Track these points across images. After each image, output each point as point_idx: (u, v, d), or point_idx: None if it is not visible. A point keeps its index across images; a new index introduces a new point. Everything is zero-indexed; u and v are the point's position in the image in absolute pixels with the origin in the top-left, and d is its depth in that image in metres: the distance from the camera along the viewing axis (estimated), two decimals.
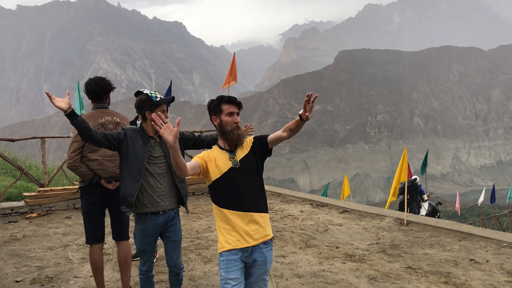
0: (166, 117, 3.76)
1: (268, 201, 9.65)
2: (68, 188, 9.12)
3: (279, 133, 3.13)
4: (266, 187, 11.06)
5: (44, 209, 8.72)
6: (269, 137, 3.15)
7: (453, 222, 8.27)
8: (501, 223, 19.68)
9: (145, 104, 3.82)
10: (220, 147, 3.11)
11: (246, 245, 2.98)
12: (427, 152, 20.29)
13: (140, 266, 4.01)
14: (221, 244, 3.02)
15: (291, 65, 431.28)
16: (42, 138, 9.31)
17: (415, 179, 12.53)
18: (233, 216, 2.99)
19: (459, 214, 24.81)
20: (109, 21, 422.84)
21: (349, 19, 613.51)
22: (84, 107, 9.42)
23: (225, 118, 3.06)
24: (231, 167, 3.03)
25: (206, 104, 3.11)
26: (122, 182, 3.84)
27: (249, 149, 3.13)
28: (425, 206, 12.60)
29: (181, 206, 4.04)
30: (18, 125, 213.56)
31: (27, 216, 8.39)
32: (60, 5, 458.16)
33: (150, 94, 3.85)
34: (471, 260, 5.67)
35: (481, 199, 20.61)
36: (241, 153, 3.10)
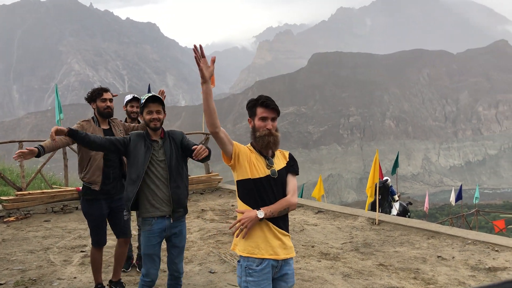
0: (159, 117, 3.83)
1: None
2: (46, 192, 9.13)
3: (287, 191, 2.99)
4: None
5: (22, 212, 8.71)
6: (289, 176, 3.03)
7: (422, 221, 8.66)
8: (468, 222, 20.38)
9: (139, 108, 3.94)
10: (256, 150, 3.00)
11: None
12: (397, 153, 20.88)
13: (142, 277, 3.92)
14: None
15: (266, 67, 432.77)
16: (20, 142, 9.29)
17: (386, 180, 12.90)
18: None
19: (427, 213, 25.56)
20: (81, 22, 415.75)
21: (322, 22, 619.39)
22: (63, 110, 9.41)
23: (258, 122, 2.95)
24: (269, 175, 2.94)
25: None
26: (125, 187, 3.90)
27: (285, 164, 3.05)
28: (396, 206, 12.97)
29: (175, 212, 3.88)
30: None
31: (5, 220, 8.38)
32: (30, 5, 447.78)
33: (140, 98, 3.89)
34: (438, 257, 6.00)
35: (452, 198, 21.35)
36: (278, 164, 3.02)
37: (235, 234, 2.94)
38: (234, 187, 11.71)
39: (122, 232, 4.81)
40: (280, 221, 2.97)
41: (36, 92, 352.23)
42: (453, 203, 21.75)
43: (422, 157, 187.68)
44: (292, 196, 2.98)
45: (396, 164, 13.67)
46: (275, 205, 2.91)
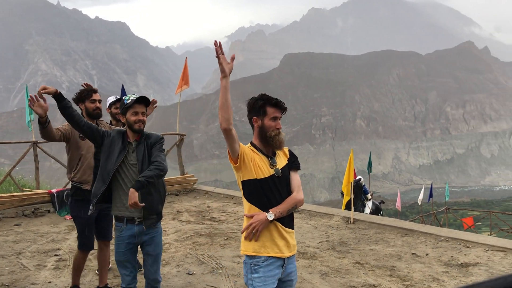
0: (144, 120, 3.77)
1: (221, 204, 9.88)
2: (16, 195, 8.90)
3: (291, 188, 3.00)
4: (219, 190, 11.25)
5: None
6: (292, 174, 3.04)
7: (395, 219, 8.82)
8: (438, 220, 20.84)
9: (120, 109, 3.81)
10: (258, 149, 2.98)
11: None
12: (370, 153, 21.19)
13: (121, 284, 3.86)
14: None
15: (238, 68, 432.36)
16: None
17: (360, 179, 13.09)
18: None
19: (399, 212, 26.05)
20: (48, 20, 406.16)
21: (294, 22, 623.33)
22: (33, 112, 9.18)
23: (268, 122, 2.93)
24: (273, 175, 2.94)
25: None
26: (95, 182, 3.82)
27: (287, 161, 3.06)
28: (369, 205, 13.20)
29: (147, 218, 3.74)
30: None
31: None
32: None
33: (123, 98, 3.79)
34: (412, 254, 6.14)
35: (421, 197, 21.79)
36: (280, 162, 3.02)
37: (243, 237, 2.95)
38: (209, 188, 11.67)
39: (104, 235, 4.74)
40: (286, 219, 2.99)
41: (1, 93, 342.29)
42: (423, 201, 22.21)
43: (393, 157, 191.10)
44: (298, 193, 3.00)
45: (370, 164, 13.90)
46: (283, 204, 2.92)
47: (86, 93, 4.74)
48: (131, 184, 3.64)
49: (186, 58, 9.46)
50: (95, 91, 4.81)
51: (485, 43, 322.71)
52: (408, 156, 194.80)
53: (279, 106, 2.96)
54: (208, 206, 9.61)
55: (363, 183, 13.29)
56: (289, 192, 3.00)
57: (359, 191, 12.85)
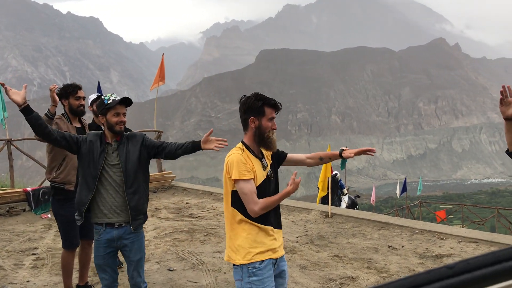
0: (125, 121, 3.63)
1: (200, 200, 9.90)
2: None
3: (302, 157, 3.10)
4: (198, 187, 11.26)
5: None
6: (288, 155, 3.08)
7: (372, 213, 9.00)
8: (412, 213, 21.29)
9: (98, 108, 3.65)
10: (251, 150, 2.95)
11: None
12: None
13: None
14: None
15: (213, 64, 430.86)
16: None
17: (336, 174, 13.28)
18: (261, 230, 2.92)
19: (373, 206, 26.49)
20: (18, 15, 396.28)
21: (269, 18, 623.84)
22: (7, 109, 9.00)
23: (266, 123, 2.90)
24: (267, 177, 2.94)
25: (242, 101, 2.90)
26: (78, 189, 3.66)
27: (272, 160, 3.05)
28: (345, 200, 13.41)
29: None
30: None
31: None
32: None
33: (103, 97, 3.63)
34: (389, 246, 6.29)
35: (398, 191, 22.23)
36: (268, 163, 3.01)
37: (237, 244, 2.91)
38: (187, 185, 11.67)
39: (86, 234, 4.66)
40: (276, 220, 3.00)
41: None
42: (398, 195, 22.64)
43: None
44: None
45: (345, 159, 14.13)
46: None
47: (71, 89, 4.59)
48: (110, 187, 3.54)
49: (163, 54, 9.42)
50: (80, 88, 4.67)
51: (456, 40, 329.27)
52: (382, 151, 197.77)
53: (277, 106, 2.95)
54: (186, 203, 9.62)
55: (339, 178, 13.49)
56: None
57: (335, 186, 13.03)
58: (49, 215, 8.05)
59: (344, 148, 3.10)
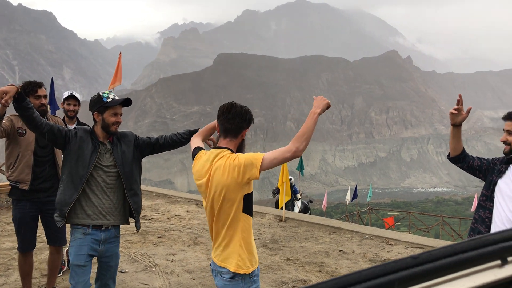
0: (120, 121, 3.49)
1: (153, 202, 9.78)
2: None
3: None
4: (151, 188, 11.12)
5: None
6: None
7: (324, 218, 9.18)
8: (362, 219, 21.87)
9: (94, 104, 3.40)
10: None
11: None
12: (301, 156, 21.71)
13: None
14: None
15: (170, 65, 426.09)
16: None
17: (290, 179, 13.50)
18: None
19: (324, 212, 27.03)
20: None
21: (228, 22, 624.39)
22: None
23: (245, 135, 2.99)
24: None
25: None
26: (60, 187, 3.41)
27: None
28: (298, 204, 13.64)
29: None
30: None
31: None
32: None
33: (101, 94, 3.41)
34: (340, 251, 6.45)
35: (348, 197, 22.75)
36: None
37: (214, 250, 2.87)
38: (141, 187, 11.50)
39: (53, 240, 4.45)
40: None
41: None
42: (348, 201, 23.18)
43: (320, 158, 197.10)
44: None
45: (302, 166, 14.35)
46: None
47: (30, 88, 4.26)
48: (99, 188, 3.37)
49: (120, 53, 9.22)
50: (40, 85, 4.35)
51: (408, 53, 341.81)
52: (334, 158, 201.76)
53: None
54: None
55: (293, 183, 13.71)
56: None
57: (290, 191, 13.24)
58: None
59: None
